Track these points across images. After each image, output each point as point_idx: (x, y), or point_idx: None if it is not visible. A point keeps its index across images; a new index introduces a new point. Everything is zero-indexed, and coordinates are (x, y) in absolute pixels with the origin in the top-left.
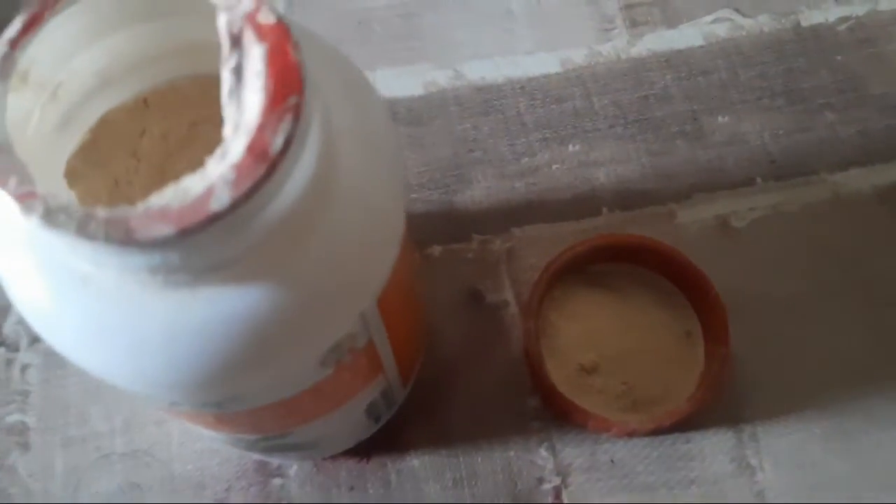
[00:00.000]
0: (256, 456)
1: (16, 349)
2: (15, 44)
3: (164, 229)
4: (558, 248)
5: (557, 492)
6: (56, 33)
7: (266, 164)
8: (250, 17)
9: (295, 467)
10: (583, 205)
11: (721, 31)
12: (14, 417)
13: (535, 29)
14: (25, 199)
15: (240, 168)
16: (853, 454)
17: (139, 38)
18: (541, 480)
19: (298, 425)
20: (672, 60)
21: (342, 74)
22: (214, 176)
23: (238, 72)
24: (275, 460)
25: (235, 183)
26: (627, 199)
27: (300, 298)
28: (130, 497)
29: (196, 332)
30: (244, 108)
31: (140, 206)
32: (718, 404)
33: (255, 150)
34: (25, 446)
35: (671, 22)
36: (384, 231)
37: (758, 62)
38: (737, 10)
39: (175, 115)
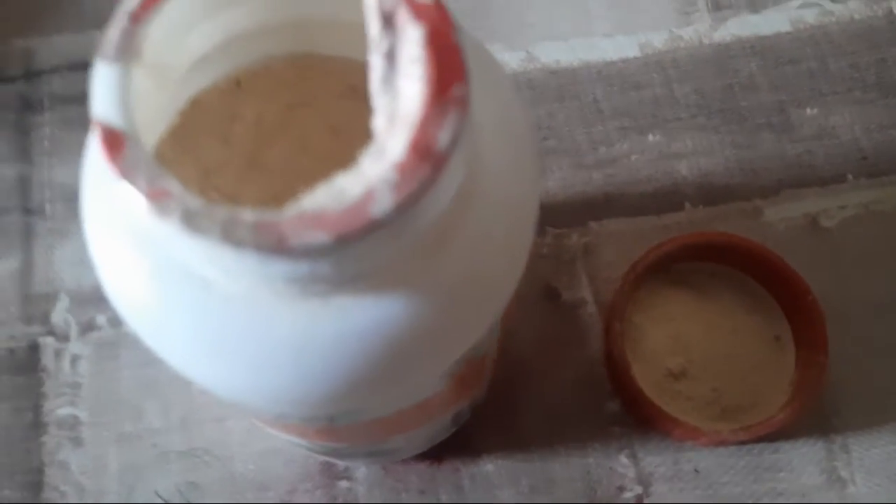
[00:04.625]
0: (322, 457)
1: (65, 339)
2: (137, 18)
3: (320, 236)
4: (638, 244)
5: (639, 501)
6: (175, 5)
7: (432, 163)
8: None
9: (363, 469)
10: (664, 199)
11: (809, 17)
12: (65, 411)
13: (612, 10)
14: (159, 198)
15: (403, 168)
16: None
17: (252, 14)
18: (621, 489)
19: (395, 436)
20: (757, 47)
21: (476, 56)
22: (373, 177)
23: (391, 56)
24: (342, 462)
25: (399, 185)
26: (711, 193)
27: (439, 309)
28: (189, 497)
29: (328, 346)
30: (399, 97)
31: (291, 210)
32: (809, 413)
33: (419, 147)
34: (78, 441)
35: (756, 6)
36: (523, 232)
37: (849, 51)
38: None
39: (269, 97)
